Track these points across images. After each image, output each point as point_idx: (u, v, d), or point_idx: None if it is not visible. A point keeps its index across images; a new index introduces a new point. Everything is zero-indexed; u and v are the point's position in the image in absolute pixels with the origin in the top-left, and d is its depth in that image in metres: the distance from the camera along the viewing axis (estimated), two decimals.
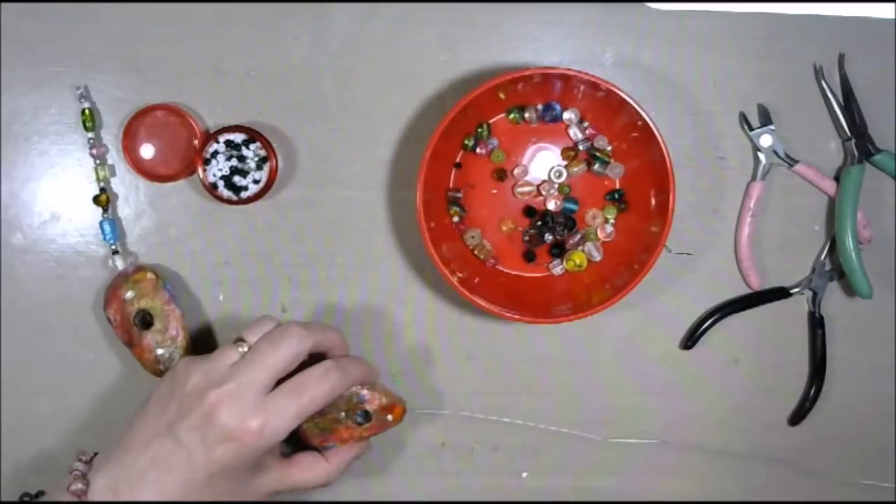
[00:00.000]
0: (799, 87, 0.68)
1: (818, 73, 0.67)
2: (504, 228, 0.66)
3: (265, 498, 0.56)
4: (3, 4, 0.64)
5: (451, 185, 0.66)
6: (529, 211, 0.66)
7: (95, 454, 0.55)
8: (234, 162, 0.62)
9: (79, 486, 0.52)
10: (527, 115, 0.65)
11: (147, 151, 0.64)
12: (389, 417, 0.60)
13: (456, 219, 0.65)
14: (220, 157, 0.62)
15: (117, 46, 0.64)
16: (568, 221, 0.65)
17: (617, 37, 0.67)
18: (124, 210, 0.65)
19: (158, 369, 0.61)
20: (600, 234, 0.66)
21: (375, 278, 0.67)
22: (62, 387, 0.65)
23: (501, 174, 0.65)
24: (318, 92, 0.66)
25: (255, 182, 0.63)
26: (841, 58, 0.67)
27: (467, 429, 0.68)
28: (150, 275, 0.62)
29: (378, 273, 0.67)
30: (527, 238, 0.66)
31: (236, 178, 0.63)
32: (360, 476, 0.67)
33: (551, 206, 0.66)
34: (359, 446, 0.61)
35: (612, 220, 0.66)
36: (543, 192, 0.65)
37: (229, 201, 0.63)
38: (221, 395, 0.52)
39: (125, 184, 0.65)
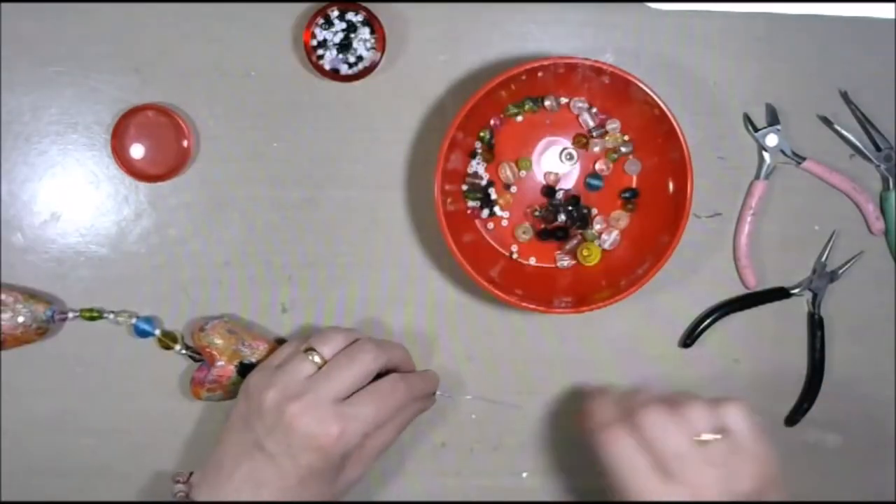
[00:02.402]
0: (799, 88, 0.68)
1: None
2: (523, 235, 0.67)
3: (352, 486, 0.59)
4: (3, 4, 0.64)
5: (465, 175, 0.66)
6: (549, 190, 0.66)
7: (191, 473, 0.58)
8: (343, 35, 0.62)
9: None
10: (547, 103, 0.65)
11: (136, 151, 0.64)
12: None
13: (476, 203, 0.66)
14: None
15: (117, 46, 0.64)
16: (580, 213, 0.66)
17: (617, 37, 0.67)
18: (124, 210, 0.65)
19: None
20: (605, 237, 0.66)
21: (375, 278, 0.67)
22: (62, 388, 0.65)
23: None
24: (318, 92, 0.66)
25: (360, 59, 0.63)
26: (845, 95, 0.67)
27: (467, 429, 0.68)
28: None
29: (378, 273, 0.67)
30: (540, 214, 0.66)
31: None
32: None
33: (569, 185, 0.66)
34: (418, 409, 0.63)
35: (623, 225, 0.66)
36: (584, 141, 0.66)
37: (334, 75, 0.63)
38: (302, 407, 0.55)
39: (125, 184, 0.65)
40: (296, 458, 0.55)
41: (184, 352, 0.64)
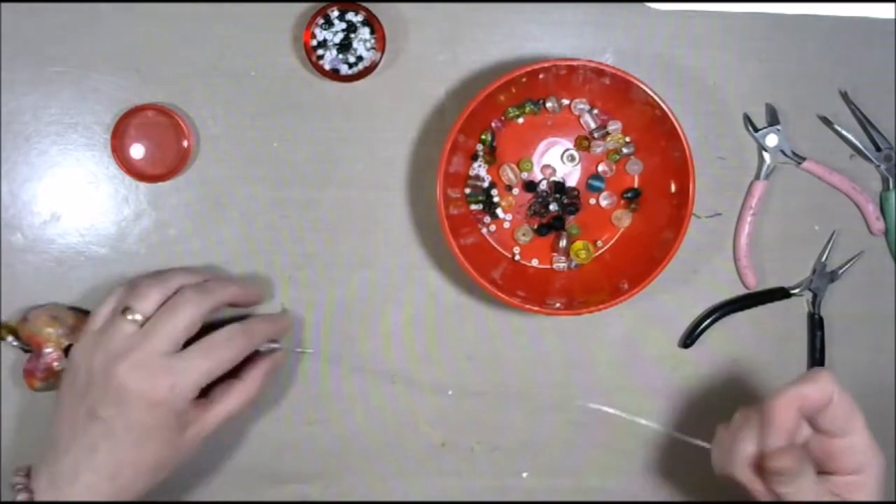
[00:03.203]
0: (799, 88, 0.68)
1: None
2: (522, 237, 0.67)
3: (200, 442, 0.58)
4: (3, 4, 0.64)
5: (466, 178, 0.66)
6: (529, 186, 0.66)
7: (30, 467, 0.57)
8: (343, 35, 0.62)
9: (23, 497, 0.54)
10: (549, 104, 0.65)
11: (136, 151, 0.64)
12: None
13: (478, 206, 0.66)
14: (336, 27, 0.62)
15: (117, 46, 0.64)
16: (571, 198, 0.66)
17: (617, 37, 0.67)
18: (124, 210, 0.65)
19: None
20: (618, 213, 0.67)
21: (375, 278, 0.67)
22: None
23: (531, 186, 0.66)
24: (318, 92, 0.66)
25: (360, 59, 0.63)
26: (845, 95, 0.67)
27: (467, 429, 0.68)
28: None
29: (377, 273, 0.67)
30: (532, 211, 0.66)
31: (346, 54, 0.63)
32: (360, 476, 0.67)
33: (572, 181, 0.66)
34: (271, 358, 0.62)
35: (625, 224, 0.67)
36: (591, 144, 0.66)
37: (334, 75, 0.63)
38: (129, 366, 0.54)
39: (125, 184, 0.65)
40: (128, 418, 0.54)
41: (14, 343, 0.63)
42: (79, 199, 0.65)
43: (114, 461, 0.54)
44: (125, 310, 0.57)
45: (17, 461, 0.63)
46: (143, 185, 0.65)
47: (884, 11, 0.68)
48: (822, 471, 0.53)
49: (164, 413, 0.54)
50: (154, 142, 0.64)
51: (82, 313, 0.64)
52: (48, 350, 0.62)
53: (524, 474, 0.69)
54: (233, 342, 0.57)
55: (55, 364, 0.62)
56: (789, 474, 0.50)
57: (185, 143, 0.64)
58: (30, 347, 0.63)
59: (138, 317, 0.56)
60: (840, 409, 0.52)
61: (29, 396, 0.64)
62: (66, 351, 0.62)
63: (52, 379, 0.62)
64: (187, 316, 0.56)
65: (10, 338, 0.63)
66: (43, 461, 0.55)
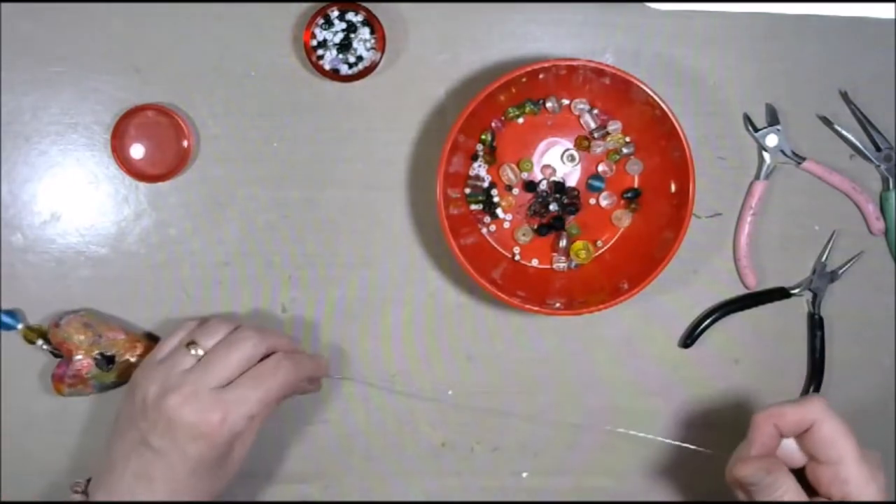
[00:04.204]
0: (799, 88, 0.68)
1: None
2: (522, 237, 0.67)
3: (240, 465, 0.58)
4: (3, 4, 0.64)
5: (466, 178, 0.66)
6: (529, 186, 0.66)
7: (88, 480, 0.58)
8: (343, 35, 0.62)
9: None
10: (549, 104, 0.65)
11: (136, 151, 0.64)
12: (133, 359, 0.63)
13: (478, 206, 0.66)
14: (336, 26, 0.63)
15: (117, 46, 0.64)
16: (570, 198, 0.66)
17: (617, 37, 0.67)
18: (124, 210, 0.65)
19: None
20: (618, 213, 0.67)
21: (375, 278, 0.67)
22: None
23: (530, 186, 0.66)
24: (318, 92, 0.66)
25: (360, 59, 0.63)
26: (845, 95, 0.67)
27: (467, 429, 0.68)
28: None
29: (378, 273, 0.67)
30: (532, 211, 0.66)
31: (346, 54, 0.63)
32: (360, 476, 0.67)
33: (572, 182, 0.66)
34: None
35: (625, 224, 0.67)
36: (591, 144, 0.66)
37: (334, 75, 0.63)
38: (181, 399, 0.54)
39: (125, 184, 0.65)
40: (183, 451, 0.54)
41: (45, 347, 0.63)
42: (79, 199, 0.65)
43: (169, 491, 0.55)
44: (190, 343, 0.57)
45: (44, 464, 0.64)
46: (143, 185, 0.65)
47: (884, 11, 0.68)
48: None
49: (216, 444, 0.55)
50: (154, 142, 0.64)
51: (115, 322, 0.64)
52: (78, 357, 0.62)
53: (524, 474, 0.69)
54: (279, 371, 0.57)
55: (85, 372, 0.62)
56: (753, 483, 0.53)
57: (185, 143, 0.64)
58: (60, 353, 0.63)
59: (200, 352, 0.57)
60: (825, 435, 0.53)
61: (58, 402, 0.65)
62: (96, 359, 0.62)
63: (81, 386, 0.63)
64: (243, 352, 0.57)
65: (39, 341, 0.63)
66: (99, 483, 0.56)
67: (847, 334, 0.69)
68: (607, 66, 0.60)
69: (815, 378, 0.68)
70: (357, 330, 0.67)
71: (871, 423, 0.70)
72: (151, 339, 0.65)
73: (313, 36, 0.63)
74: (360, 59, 0.63)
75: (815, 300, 0.68)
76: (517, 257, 0.67)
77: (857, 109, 0.67)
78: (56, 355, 0.63)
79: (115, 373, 0.63)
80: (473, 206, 0.66)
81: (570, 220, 0.66)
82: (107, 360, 0.62)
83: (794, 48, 0.68)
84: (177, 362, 0.57)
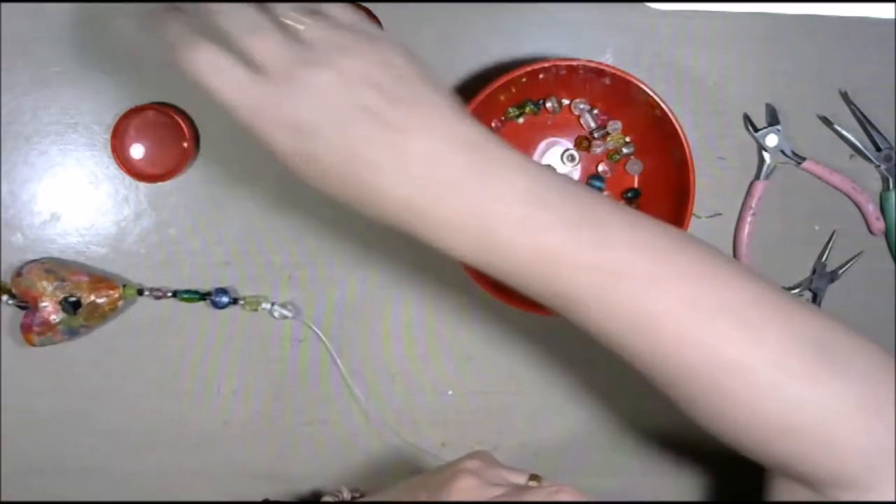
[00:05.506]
0: (799, 88, 0.68)
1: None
2: None
3: None
4: (3, 4, 0.64)
5: None
6: None
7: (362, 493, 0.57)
8: None
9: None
10: (549, 104, 0.65)
11: (136, 151, 0.64)
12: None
13: None
14: None
15: (117, 46, 0.64)
16: None
17: (617, 37, 0.67)
18: (124, 210, 0.65)
19: None
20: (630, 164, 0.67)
21: (375, 278, 0.67)
22: (62, 387, 0.65)
23: None
24: None
25: None
26: (845, 95, 0.67)
27: (467, 429, 0.68)
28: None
29: (377, 273, 0.67)
30: None
31: None
32: (360, 476, 0.67)
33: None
34: None
35: None
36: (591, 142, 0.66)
37: None
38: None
39: (125, 184, 0.65)
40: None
41: (10, 302, 0.63)
42: (79, 199, 0.65)
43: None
44: (533, 476, 0.53)
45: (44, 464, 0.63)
46: (143, 185, 0.65)
47: (884, 11, 0.68)
48: None
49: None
50: (154, 142, 0.64)
51: (76, 266, 0.64)
52: (44, 304, 0.62)
53: None
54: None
55: (52, 318, 0.62)
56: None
57: (185, 143, 0.64)
58: (26, 303, 0.62)
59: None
60: None
61: (59, 402, 0.65)
62: (62, 304, 0.62)
63: (50, 333, 0.62)
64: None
65: (4, 297, 0.63)
66: None
67: None
68: (607, 66, 0.60)
69: None
70: (357, 330, 0.67)
71: None
72: None
73: None
74: None
75: (815, 300, 0.68)
76: None
77: (857, 109, 0.67)
78: (22, 307, 0.63)
79: (83, 316, 0.63)
80: None
81: None
82: (73, 305, 0.62)
83: (794, 48, 0.68)
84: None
